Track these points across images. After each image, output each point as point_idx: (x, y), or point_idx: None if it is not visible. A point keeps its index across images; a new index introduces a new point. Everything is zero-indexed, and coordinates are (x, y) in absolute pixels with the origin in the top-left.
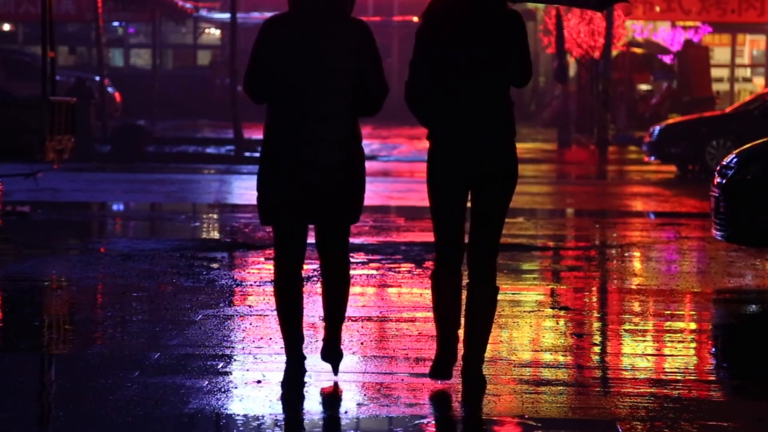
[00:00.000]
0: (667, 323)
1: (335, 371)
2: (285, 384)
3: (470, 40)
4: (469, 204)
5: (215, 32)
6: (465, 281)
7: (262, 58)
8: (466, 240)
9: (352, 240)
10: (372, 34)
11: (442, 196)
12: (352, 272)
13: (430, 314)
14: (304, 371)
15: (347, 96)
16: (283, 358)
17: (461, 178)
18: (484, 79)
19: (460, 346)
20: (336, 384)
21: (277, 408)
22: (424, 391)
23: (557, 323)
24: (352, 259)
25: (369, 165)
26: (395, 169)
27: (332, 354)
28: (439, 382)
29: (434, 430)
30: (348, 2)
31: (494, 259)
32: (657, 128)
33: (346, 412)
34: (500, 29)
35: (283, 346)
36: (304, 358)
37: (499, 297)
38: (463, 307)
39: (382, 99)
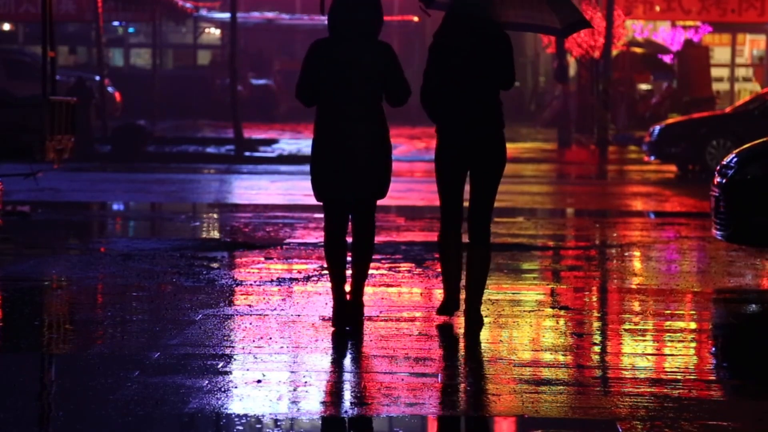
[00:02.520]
0: (667, 323)
1: (355, 325)
2: (334, 313)
3: (470, 56)
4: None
5: (215, 32)
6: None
7: (308, 72)
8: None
9: (351, 240)
10: (394, 52)
11: (447, 176)
12: (351, 272)
13: (431, 314)
14: (345, 305)
15: (376, 100)
16: (283, 357)
17: (462, 161)
18: (480, 85)
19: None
20: (336, 383)
21: (277, 408)
22: (425, 391)
23: (557, 323)
24: (351, 259)
25: None
26: (395, 169)
27: (355, 308)
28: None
29: (434, 429)
30: (377, 28)
31: (489, 225)
32: (657, 128)
33: (346, 412)
34: (492, 47)
35: (287, 341)
36: (346, 294)
37: (499, 297)
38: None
39: (406, 98)
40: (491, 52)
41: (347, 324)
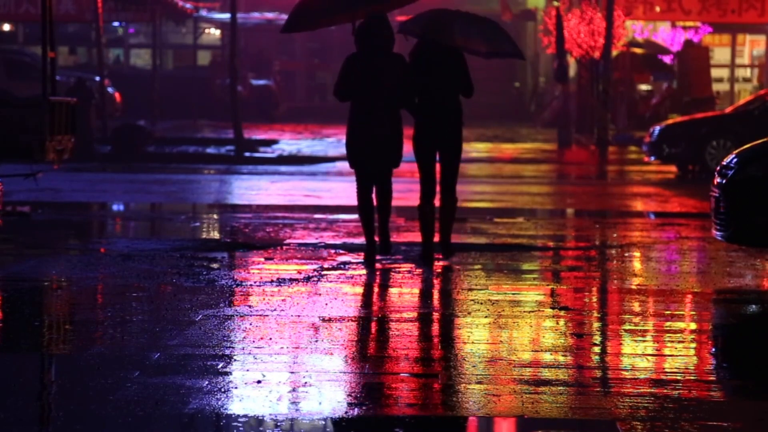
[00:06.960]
0: (667, 323)
1: (385, 253)
2: (365, 257)
3: (437, 69)
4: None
5: (215, 32)
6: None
7: (343, 78)
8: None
9: (351, 240)
10: (406, 61)
11: (423, 158)
12: (352, 272)
13: (431, 314)
14: (376, 250)
15: (393, 97)
16: (283, 357)
17: (433, 146)
18: (445, 92)
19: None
20: (336, 384)
21: (277, 408)
22: (425, 391)
23: (557, 323)
24: (352, 260)
25: None
26: (396, 170)
27: (384, 243)
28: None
29: (434, 429)
30: (391, 45)
31: (455, 186)
32: (657, 128)
33: (346, 412)
34: (454, 62)
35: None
36: (376, 242)
37: (499, 297)
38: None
39: (412, 97)
40: (452, 66)
41: (375, 260)
